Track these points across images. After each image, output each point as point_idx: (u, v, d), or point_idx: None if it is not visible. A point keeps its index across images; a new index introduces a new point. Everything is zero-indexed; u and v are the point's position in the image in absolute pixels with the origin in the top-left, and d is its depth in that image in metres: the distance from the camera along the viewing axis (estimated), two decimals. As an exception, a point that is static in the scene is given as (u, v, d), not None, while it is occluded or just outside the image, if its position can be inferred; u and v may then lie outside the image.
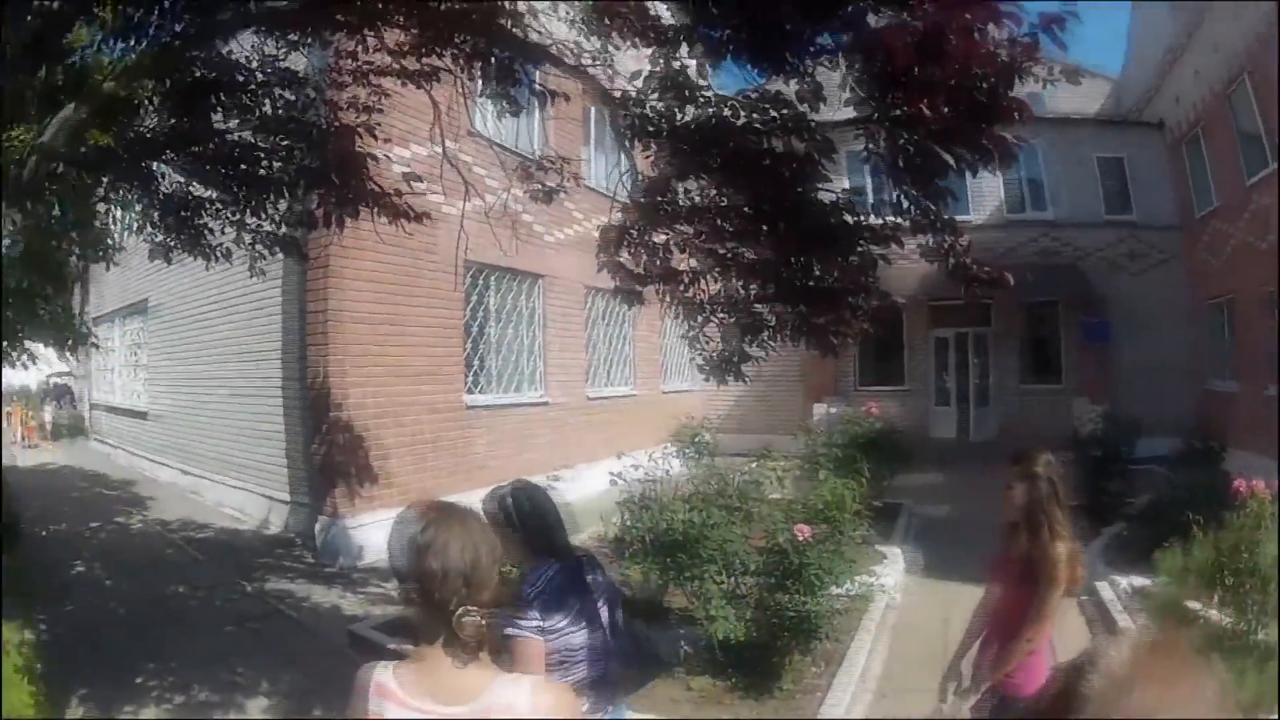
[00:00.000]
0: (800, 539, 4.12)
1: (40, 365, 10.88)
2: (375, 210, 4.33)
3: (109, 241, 8.71)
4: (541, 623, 2.03)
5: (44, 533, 8.17)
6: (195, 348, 10.19)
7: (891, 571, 6.24)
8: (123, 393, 14.11)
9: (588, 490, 6.94)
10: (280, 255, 4.92)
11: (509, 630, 1.93)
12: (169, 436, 11.22)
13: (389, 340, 7.40)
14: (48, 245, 7.71)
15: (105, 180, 4.60)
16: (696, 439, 8.51)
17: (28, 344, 9.20)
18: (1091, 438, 9.09)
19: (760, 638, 4.24)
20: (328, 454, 7.04)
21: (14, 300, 7.69)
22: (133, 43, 3.56)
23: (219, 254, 4.78)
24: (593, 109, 10.11)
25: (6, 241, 7.00)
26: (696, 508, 4.60)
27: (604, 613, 2.24)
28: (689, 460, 7.62)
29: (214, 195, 4.47)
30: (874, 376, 14.41)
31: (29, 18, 2.92)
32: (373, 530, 6.64)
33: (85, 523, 9.18)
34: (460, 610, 1.22)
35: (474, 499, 5.90)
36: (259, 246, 4.81)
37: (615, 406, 11.31)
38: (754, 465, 6.07)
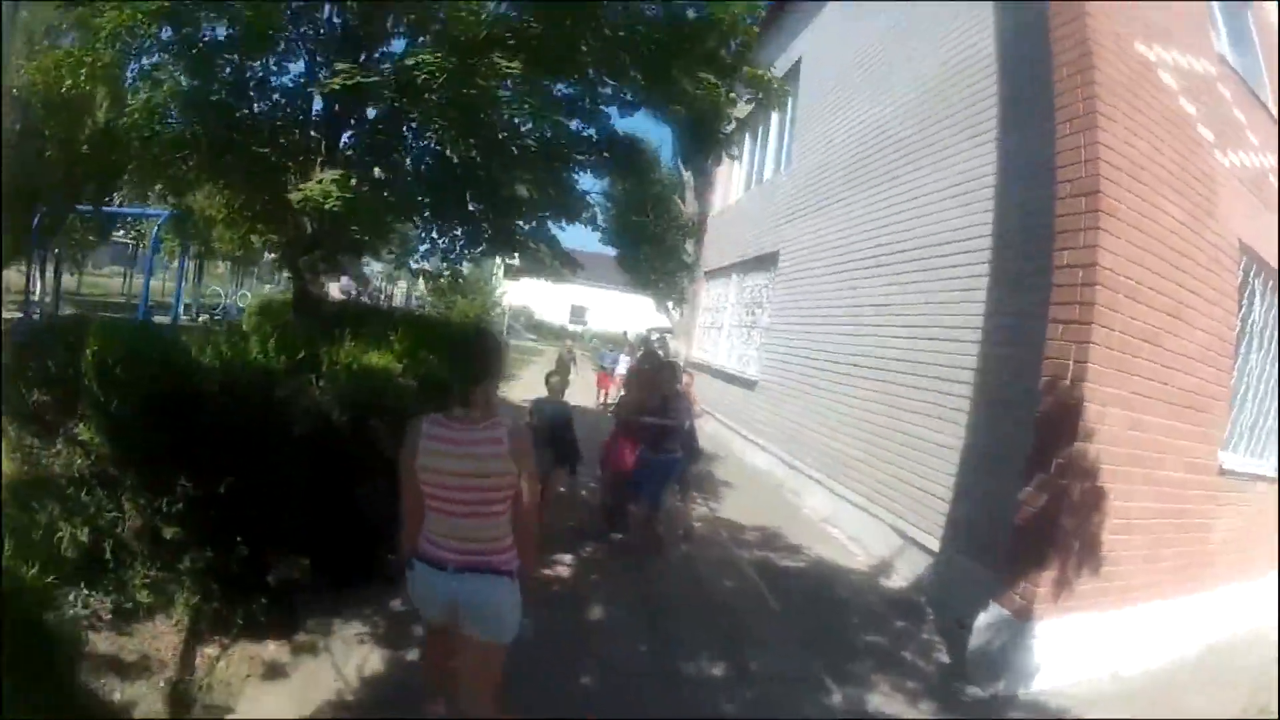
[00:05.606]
0: None
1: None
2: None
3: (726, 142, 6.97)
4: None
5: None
6: (836, 310, 7.81)
7: None
8: (729, 356, 12.32)
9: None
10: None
11: None
12: (778, 416, 8.93)
13: (1162, 340, 4.38)
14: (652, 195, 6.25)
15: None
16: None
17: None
18: None
19: None
20: (1049, 507, 3.97)
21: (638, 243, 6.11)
22: None
23: None
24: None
25: None
26: None
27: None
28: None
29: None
30: None
31: None
32: (1066, 642, 3.99)
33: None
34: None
35: (1202, 604, 4.86)
36: None
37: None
38: None
